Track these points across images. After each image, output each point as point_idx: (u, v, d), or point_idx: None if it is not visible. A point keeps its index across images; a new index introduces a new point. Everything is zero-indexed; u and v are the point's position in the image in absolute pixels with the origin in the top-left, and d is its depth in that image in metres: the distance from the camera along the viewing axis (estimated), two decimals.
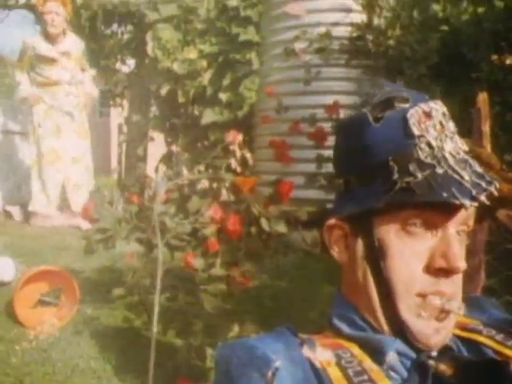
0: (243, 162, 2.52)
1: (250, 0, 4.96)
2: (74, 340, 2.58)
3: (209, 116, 5.11)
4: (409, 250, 0.63)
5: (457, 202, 0.60)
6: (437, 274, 0.63)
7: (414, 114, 0.63)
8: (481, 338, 0.68)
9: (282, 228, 2.25)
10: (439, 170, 0.61)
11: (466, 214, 0.64)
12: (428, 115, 0.63)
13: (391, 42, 3.84)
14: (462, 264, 0.62)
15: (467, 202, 0.60)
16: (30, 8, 5.58)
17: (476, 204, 0.61)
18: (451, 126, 0.65)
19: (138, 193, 2.39)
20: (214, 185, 2.43)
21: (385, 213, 0.64)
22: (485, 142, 1.88)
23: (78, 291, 2.76)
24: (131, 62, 6.06)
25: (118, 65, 6.04)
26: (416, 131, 0.63)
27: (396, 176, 0.62)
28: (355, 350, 0.64)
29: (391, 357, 0.63)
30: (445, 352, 0.64)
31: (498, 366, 0.62)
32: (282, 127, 4.17)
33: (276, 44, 4.32)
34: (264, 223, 2.21)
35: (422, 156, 0.62)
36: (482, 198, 0.60)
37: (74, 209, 4.34)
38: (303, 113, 4.06)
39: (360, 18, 4.00)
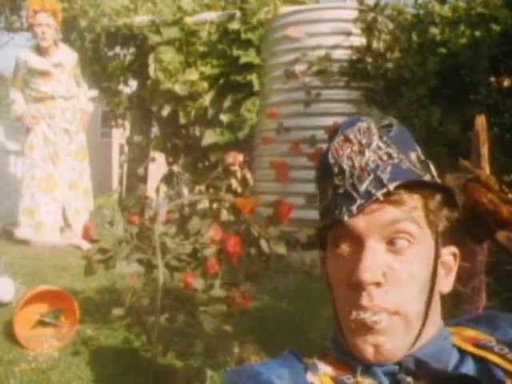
0: (244, 182, 2.53)
1: (250, 23, 5.02)
2: (73, 361, 2.56)
3: (210, 137, 5.14)
4: (339, 268, 0.65)
5: (341, 219, 0.62)
6: (354, 288, 0.63)
7: (334, 144, 0.67)
8: (491, 357, 0.67)
9: (281, 249, 2.25)
10: (341, 190, 0.64)
11: (390, 221, 0.63)
12: (347, 140, 0.66)
13: (390, 64, 3.89)
14: (366, 275, 0.61)
15: (345, 217, 0.61)
16: None
17: (350, 217, 0.61)
18: (375, 138, 0.65)
19: (139, 213, 2.40)
20: (214, 205, 2.44)
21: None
22: (483, 164, 1.90)
23: (77, 312, 2.75)
24: (133, 84, 6.10)
25: (120, 86, 6.07)
26: (331, 160, 0.66)
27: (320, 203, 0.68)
28: (358, 376, 0.64)
29: (366, 380, 0.63)
30: (421, 367, 0.64)
31: (470, 382, 0.62)
32: (283, 148, 4.20)
33: (276, 66, 4.37)
34: (263, 245, 2.21)
35: (336, 180, 0.65)
36: (353, 208, 0.61)
37: (74, 229, 4.34)
38: (303, 134, 4.09)
39: (359, 41, 4.06)
